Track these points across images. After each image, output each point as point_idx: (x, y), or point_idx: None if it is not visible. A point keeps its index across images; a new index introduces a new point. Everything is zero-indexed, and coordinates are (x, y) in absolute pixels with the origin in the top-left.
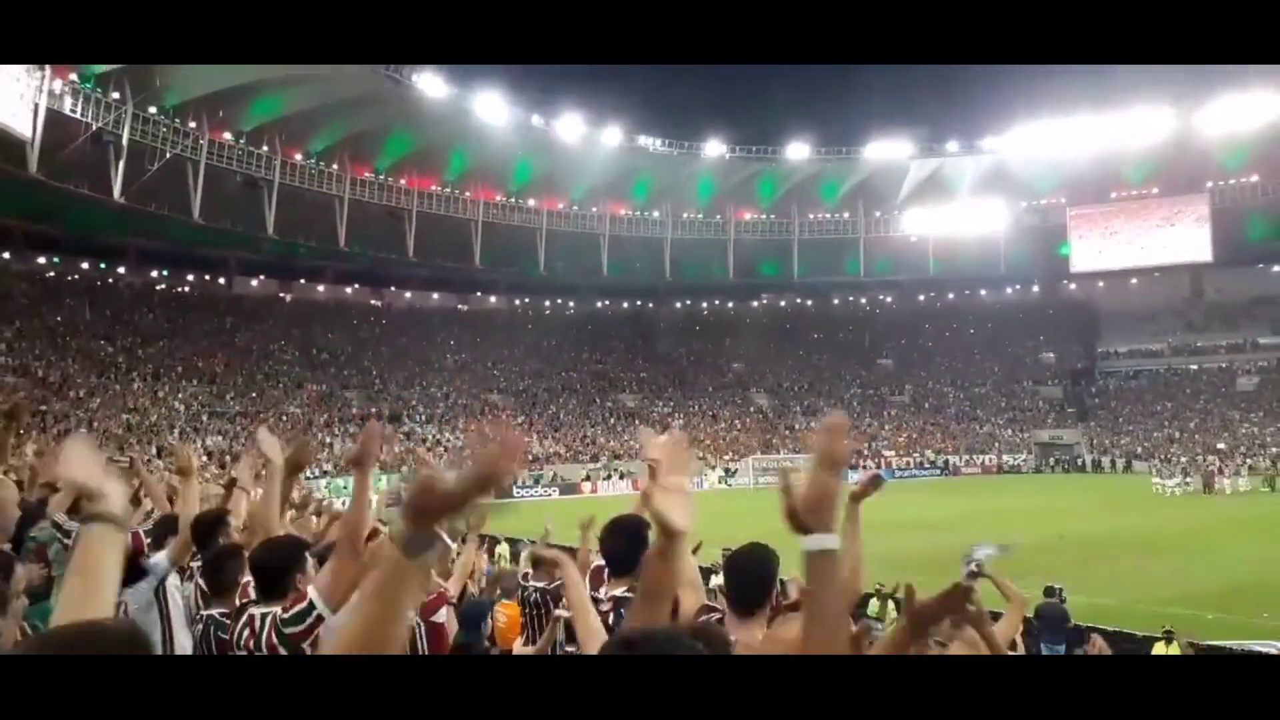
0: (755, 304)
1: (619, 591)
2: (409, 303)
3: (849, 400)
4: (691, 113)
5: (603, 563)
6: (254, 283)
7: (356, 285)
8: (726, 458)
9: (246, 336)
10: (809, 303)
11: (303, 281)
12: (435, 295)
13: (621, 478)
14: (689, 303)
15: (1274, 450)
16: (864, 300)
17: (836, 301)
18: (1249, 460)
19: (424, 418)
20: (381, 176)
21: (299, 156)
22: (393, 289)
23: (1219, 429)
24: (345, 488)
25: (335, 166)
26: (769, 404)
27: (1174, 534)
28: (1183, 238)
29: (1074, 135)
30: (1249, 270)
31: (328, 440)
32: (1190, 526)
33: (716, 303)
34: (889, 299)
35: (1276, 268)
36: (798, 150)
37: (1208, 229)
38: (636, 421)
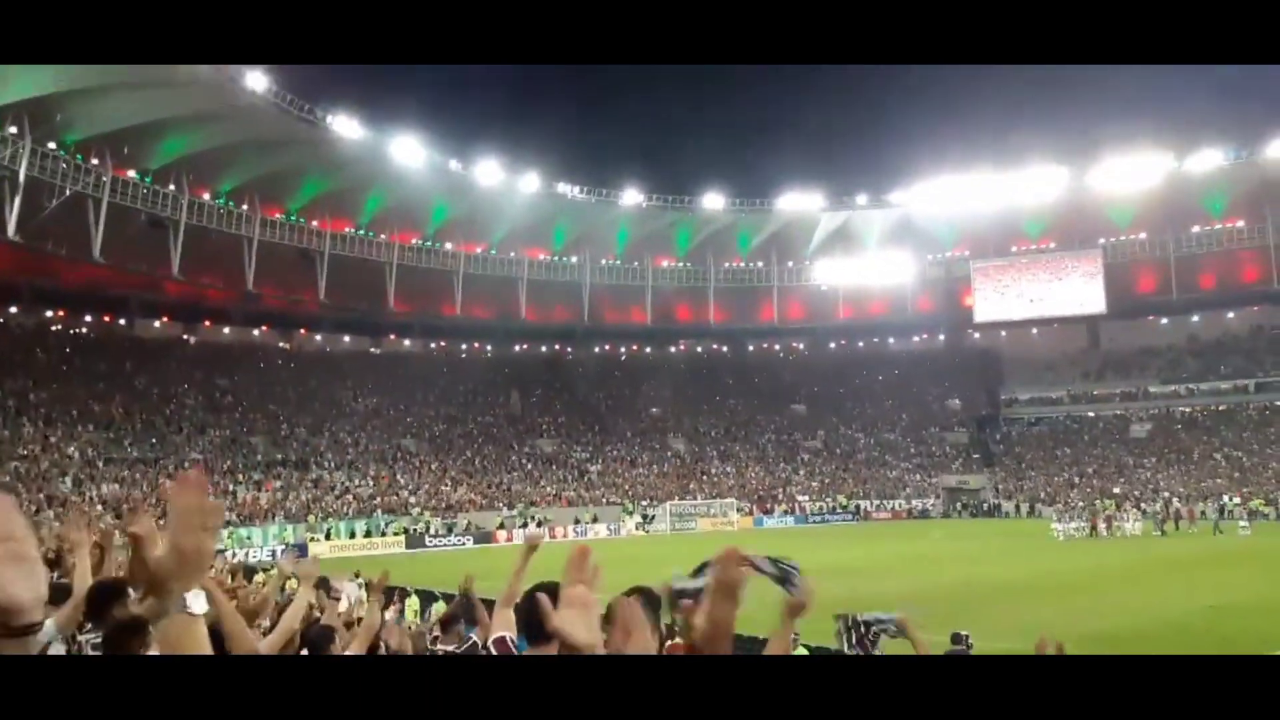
0: (672, 349)
1: None
2: (319, 345)
3: (763, 445)
4: (610, 160)
5: (506, 634)
6: (156, 324)
7: (264, 328)
8: (644, 503)
9: (147, 380)
10: (725, 349)
11: (208, 324)
12: (346, 338)
13: (539, 525)
14: (607, 347)
15: (1166, 494)
16: (778, 347)
17: (751, 348)
18: (1142, 505)
19: (333, 464)
20: (293, 218)
21: (207, 196)
22: (302, 332)
23: (1115, 474)
24: (248, 537)
25: (245, 207)
26: (686, 449)
27: (1071, 578)
28: (1078, 290)
29: (975, 191)
30: (1140, 322)
31: (230, 488)
32: (1086, 570)
33: (634, 347)
34: (801, 346)
35: (1164, 320)
36: (713, 200)
37: (1101, 282)
38: (554, 467)
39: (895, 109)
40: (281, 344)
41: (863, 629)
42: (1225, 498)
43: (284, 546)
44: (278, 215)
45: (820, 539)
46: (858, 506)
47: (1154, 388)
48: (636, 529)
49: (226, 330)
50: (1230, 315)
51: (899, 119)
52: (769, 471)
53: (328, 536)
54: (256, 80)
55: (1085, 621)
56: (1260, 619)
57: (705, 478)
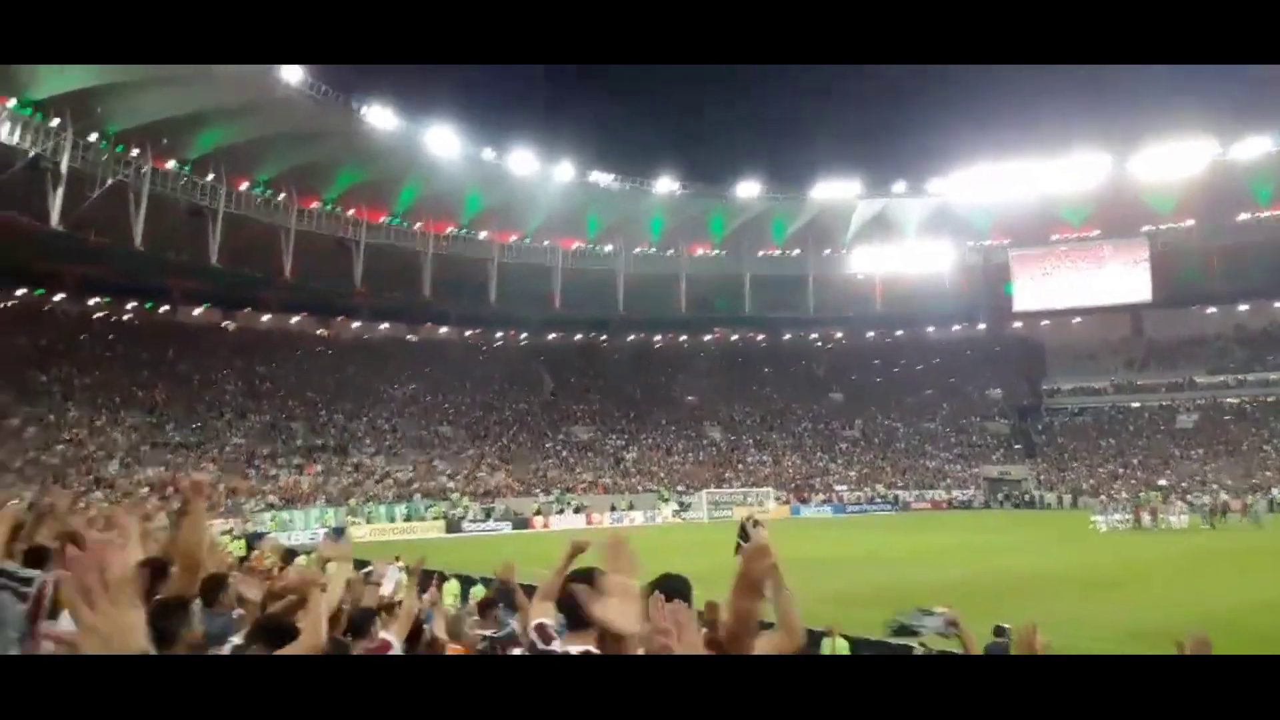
0: (707, 338)
1: (576, 649)
2: (356, 333)
3: (800, 435)
4: (643, 149)
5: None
6: (197, 312)
7: (302, 315)
8: (679, 489)
9: (188, 366)
10: (760, 338)
11: (247, 311)
12: (383, 326)
13: (576, 511)
14: (642, 336)
15: (1214, 487)
16: (814, 336)
17: (788, 337)
18: (1189, 497)
19: (371, 450)
20: (329, 207)
21: (245, 185)
22: (339, 319)
23: (1160, 466)
24: (290, 520)
25: (282, 196)
26: (722, 437)
27: (1116, 571)
28: (1123, 279)
29: (1015, 179)
30: (1186, 311)
31: (272, 472)
32: (1129, 563)
33: (669, 336)
34: (839, 335)
35: (1211, 309)
36: (747, 189)
37: (1147, 270)
38: (590, 454)
39: (932, 98)
40: (320, 331)
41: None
42: (1275, 490)
43: (325, 530)
44: (314, 205)
45: (859, 529)
46: (896, 497)
47: (1200, 378)
48: (673, 516)
49: (265, 318)
50: (1278, 305)
51: (936, 107)
52: (806, 460)
53: (368, 520)
54: (291, 73)
55: (1128, 616)
56: None
57: (741, 466)
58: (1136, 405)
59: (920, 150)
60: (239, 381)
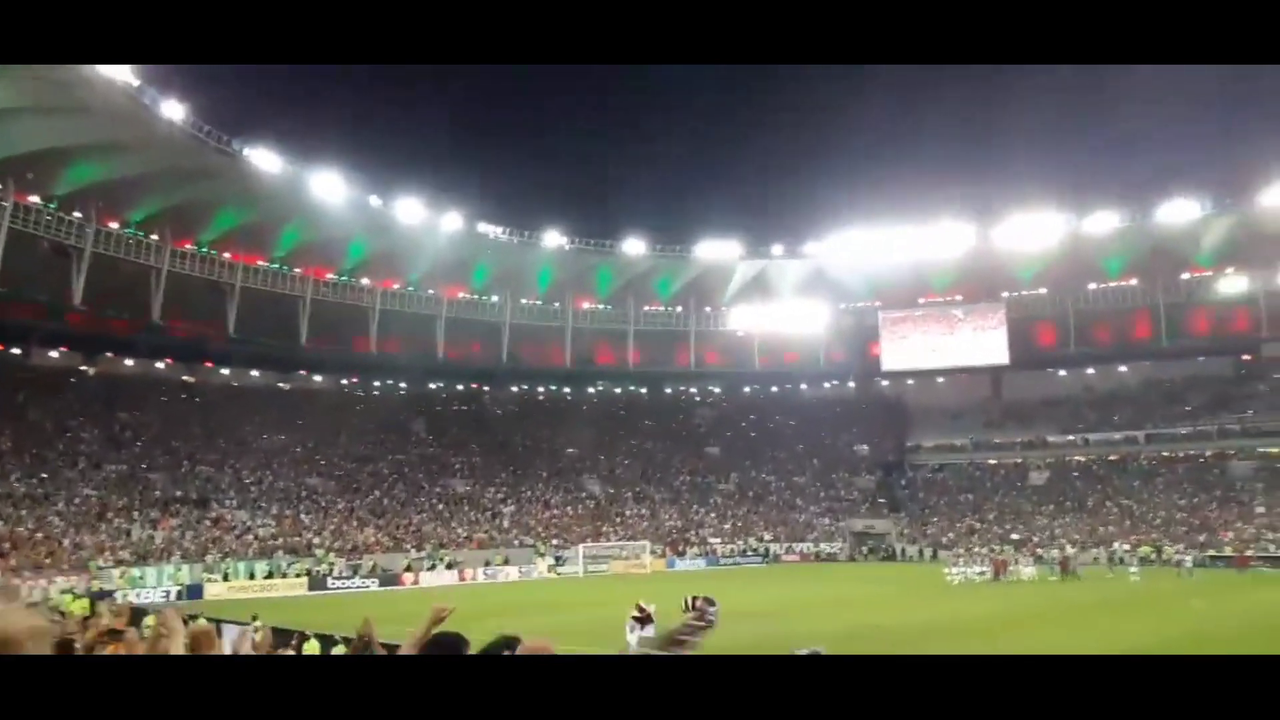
0: (591, 390)
1: None
2: (225, 380)
3: (678, 488)
4: (532, 203)
5: None
6: (54, 354)
7: (169, 360)
8: (555, 544)
9: (40, 412)
10: (643, 390)
11: (109, 355)
12: (255, 373)
13: (449, 568)
14: (526, 387)
15: (1062, 541)
16: (694, 391)
17: (669, 391)
18: (1039, 550)
19: (235, 502)
20: (205, 249)
21: (115, 225)
22: (209, 365)
23: (1014, 520)
24: (140, 578)
25: (155, 237)
26: (601, 490)
27: (968, 623)
28: (982, 342)
29: (886, 244)
30: (1039, 374)
31: (125, 527)
32: (982, 615)
33: (553, 388)
34: (718, 390)
35: (1062, 372)
36: (634, 245)
37: (1004, 335)
38: (466, 507)
39: (810, 164)
40: (186, 378)
41: None
42: (1116, 545)
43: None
44: (189, 246)
45: (730, 581)
46: (767, 549)
47: (1052, 437)
48: (548, 571)
49: (129, 362)
50: (1123, 369)
51: (814, 172)
52: (683, 513)
53: (225, 578)
54: (173, 109)
55: None
56: None
57: (620, 519)
58: (993, 462)
59: (798, 214)
60: (96, 429)
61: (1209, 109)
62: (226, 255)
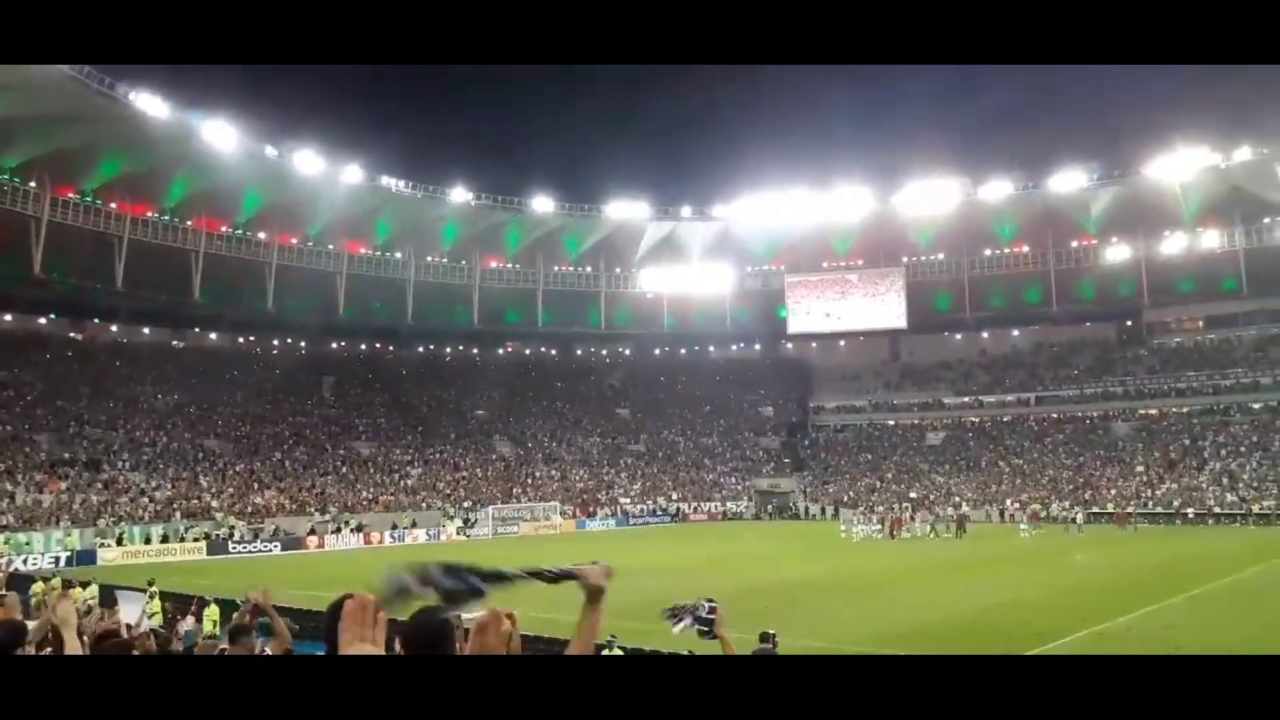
0: (500, 351)
1: None
2: (114, 337)
3: (588, 449)
4: (438, 157)
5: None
6: None
7: (52, 315)
8: (465, 506)
9: None
10: (553, 352)
11: None
12: (146, 330)
13: (354, 531)
14: (432, 348)
15: (957, 499)
16: (604, 352)
17: (579, 352)
18: (935, 508)
19: (128, 464)
20: (89, 199)
21: None
22: (96, 321)
23: (912, 479)
24: (27, 543)
25: (33, 184)
26: (511, 452)
27: (867, 579)
28: (882, 306)
29: (791, 208)
30: (936, 337)
31: (9, 489)
32: (880, 571)
33: (461, 348)
34: (627, 351)
35: (958, 336)
36: (543, 203)
37: (903, 299)
38: (371, 470)
39: (719, 125)
40: (72, 334)
41: (691, 615)
42: (1008, 502)
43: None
44: (71, 195)
45: (641, 540)
46: (677, 509)
47: (948, 399)
48: (457, 534)
49: (8, 317)
50: (1016, 333)
51: (722, 135)
52: (593, 474)
53: (119, 542)
54: None
55: (878, 621)
56: (1039, 615)
57: (530, 481)
58: (892, 423)
59: (707, 175)
60: None
61: (1098, 82)
62: (113, 205)
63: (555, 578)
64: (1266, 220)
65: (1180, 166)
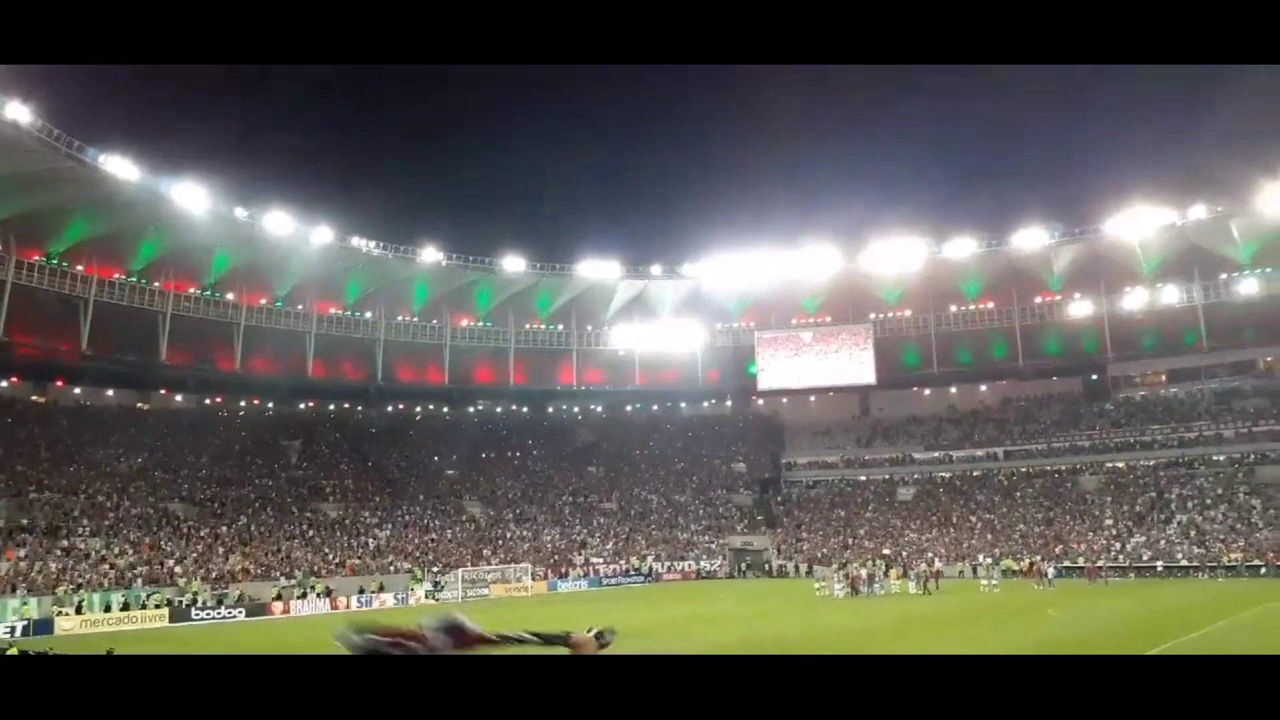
0: (470, 409)
1: None
2: (77, 399)
3: (560, 508)
4: (410, 218)
5: None
6: None
7: (14, 379)
8: (435, 570)
9: None
10: (525, 410)
11: None
12: (110, 392)
13: (320, 596)
14: (402, 407)
15: (929, 555)
16: (576, 410)
17: (550, 410)
18: (907, 565)
19: (89, 529)
20: (55, 261)
21: None
22: (59, 384)
23: (884, 536)
24: None
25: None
26: (481, 512)
27: (844, 636)
28: (852, 362)
29: (760, 267)
30: (905, 393)
31: None
32: (859, 629)
33: (431, 407)
34: (599, 409)
35: (927, 391)
36: (514, 263)
37: (871, 355)
38: (338, 533)
39: (689, 184)
40: (35, 397)
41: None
42: (981, 557)
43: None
44: (37, 257)
45: (613, 602)
46: (650, 568)
47: (918, 454)
48: (426, 597)
49: None
50: (983, 388)
51: (692, 194)
52: (565, 534)
53: (79, 610)
54: (18, 111)
55: None
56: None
57: (501, 542)
58: (864, 479)
59: (676, 236)
60: None
61: (1059, 142)
62: (80, 267)
63: (548, 641)
64: (1223, 276)
65: (1139, 224)
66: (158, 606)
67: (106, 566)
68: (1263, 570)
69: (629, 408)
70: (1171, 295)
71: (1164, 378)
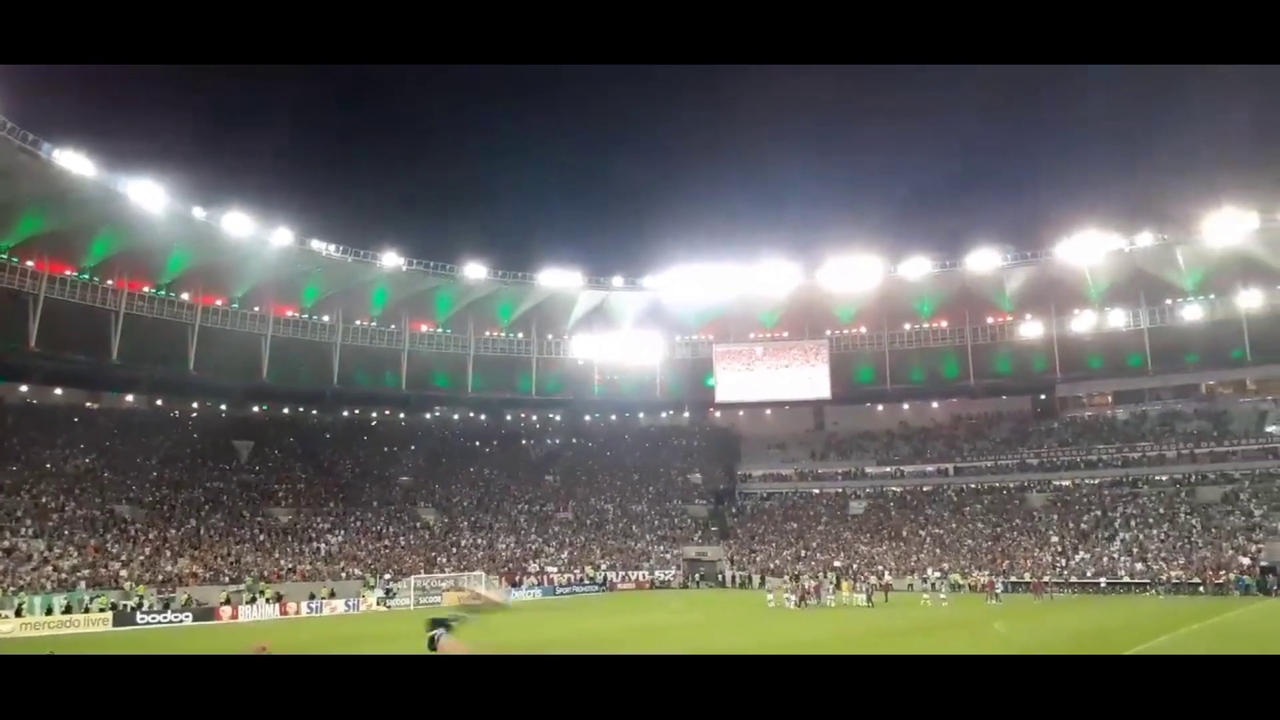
0: (428, 416)
1: None
2: (23, 398)
3: (515, 516)
4: (369, 221)
5: None
6: None
7: None
8: (386, 577)
9: None
10: (482, 417)
11: None
12: (59, 391)
13: (269, 601)
14: (358, 412)
15: (879, 568)
16: (534, 418)
17: (509, 418)
18: (857, 578)
19: (32, 531)
20: (4, 256)
21: None
22: (4, 381)
23: (836, 548)
24: None
25: None
26: (436, 520)
27: (797, 647)
28: (807, 377)
29: (720, 280)
30: (859, 408)
31: None
32: (811, 640)
33: (387, 413)
34: (558, 418)
35: (880, 407)
36: (475, 270)
37: (827, 370)
38: (290, 538)
39: (652, 197)
40: None
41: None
42: (930, 570)
43: None
44: None
45: (565, 611)
46: (605, 577)
47: (870, 468)
48: (377, 604)
49: None
50: (935, 405)
51: (654, 207)
52: (520, 543)
53: (19, 613)
54: None
55: None
56: None
57: (455, 550)
58: (817, 492)
59: (638, 247)
60: None
61: (1013, 167)
62: (30, 263)
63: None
64: (1168, 301)
65: (1089, 249)
66: (101, 610)
67: (49, 569)
68: (1201, 589)
69: (587, 417)
70: (1119, 319)
71: (1110, 399)
